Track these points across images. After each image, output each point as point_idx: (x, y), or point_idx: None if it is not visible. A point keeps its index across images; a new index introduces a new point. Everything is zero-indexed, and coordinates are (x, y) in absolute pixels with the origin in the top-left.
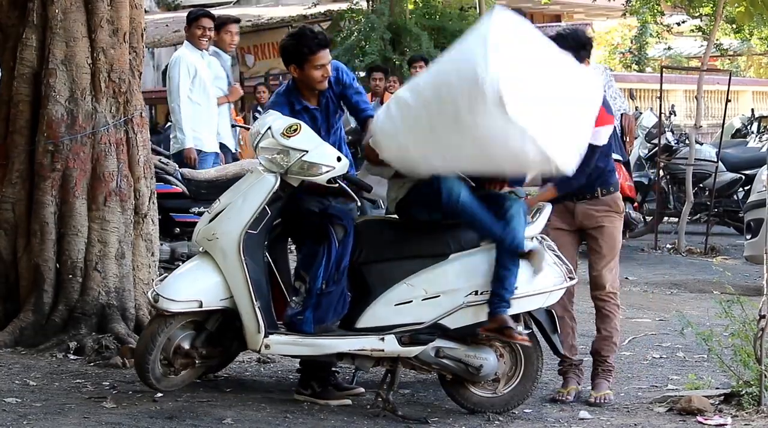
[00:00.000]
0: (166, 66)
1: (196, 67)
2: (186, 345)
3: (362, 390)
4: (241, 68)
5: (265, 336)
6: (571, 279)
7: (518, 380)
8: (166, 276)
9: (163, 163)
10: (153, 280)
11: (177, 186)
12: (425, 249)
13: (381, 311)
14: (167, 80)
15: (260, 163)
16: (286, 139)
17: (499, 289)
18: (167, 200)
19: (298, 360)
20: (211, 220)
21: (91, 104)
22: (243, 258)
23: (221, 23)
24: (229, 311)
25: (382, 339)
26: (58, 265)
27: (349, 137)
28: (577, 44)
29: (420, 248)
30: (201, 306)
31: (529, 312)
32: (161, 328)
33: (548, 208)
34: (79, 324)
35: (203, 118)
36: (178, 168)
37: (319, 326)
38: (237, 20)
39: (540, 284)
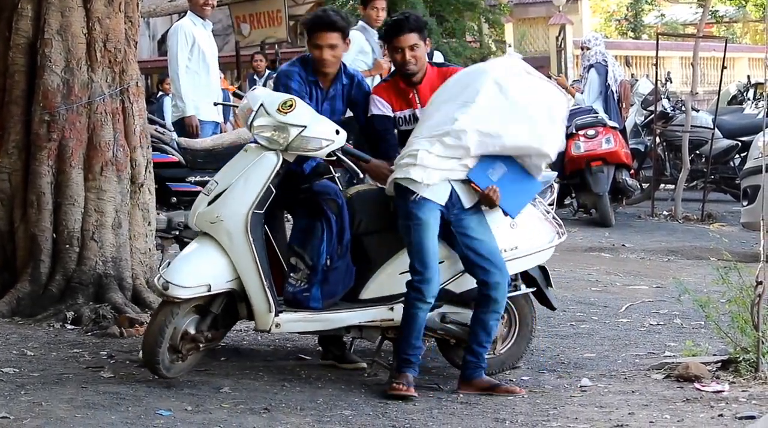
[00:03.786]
0: (163, 35)
1: (194, 36)
2: (192, 331)
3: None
4: (236, 37)
5: (275, 315)
6: (562, 234)
7: (513, 340)
8: (169, 263)
9: (159, 132)
10: (150, 249)
11: (173, 155)
12: None
13: (385, 281)
14: (167, 50)
15: (256, 141)
16: (282, 116)
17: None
18: (164, 169)
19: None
20: (210, 203)
21: (86, 74)
22: (251, 239)
23: None
24: (234, 292)
25: (391, 308)
26: (54, 235)
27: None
28: (419, 26)
29: None
30: (210, 290)
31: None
32: (168, 318)
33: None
34: (76, 293)
35: (201, 87)
36: (175, 137)
37: (327, 301)
38: None
39: (535, 243)
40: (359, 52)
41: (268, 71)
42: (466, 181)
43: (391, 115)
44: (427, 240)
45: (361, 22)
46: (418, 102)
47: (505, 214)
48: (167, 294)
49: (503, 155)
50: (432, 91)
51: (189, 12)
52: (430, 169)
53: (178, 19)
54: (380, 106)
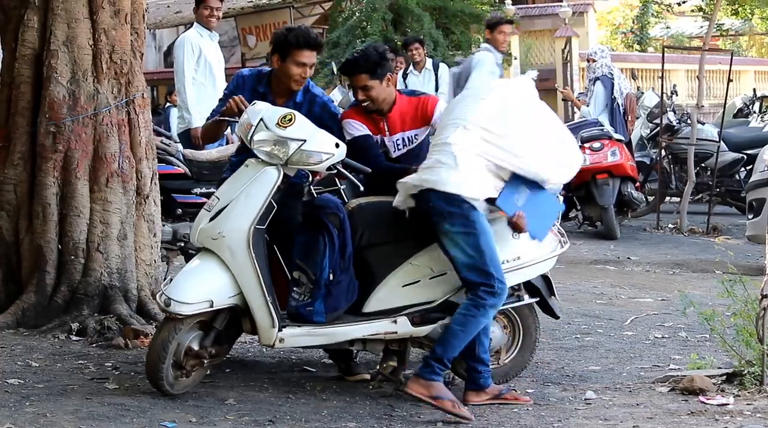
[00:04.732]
0: (169, 47)
1: (201, 47)
2: (195, 347)
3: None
4: (242, 49)
5: (279, 330)
6: (565, 244)
7: (517, 350)
8: (171, 279)
9: (165, 143)
10: (155, 261)
11: (179, 167)
12: (426, 228)
13: (389, 294)
14: (174, 61)
15: (257, 156)
16: (282, 130)
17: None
18: (169, 181)
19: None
20: (212, 219)
21: (92, 85)
22: (253, 254)
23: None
24: (237, 308)
25: (395, 321)
26: (60, 246)
27: None
28: (370, 66)
29: (420, 227)
30: (212, 306)
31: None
32: (171, 335)
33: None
34: (81, 305)
35: (208, 98)
36: (180, 149)
37: (330, 315)
38: None
39: (537, 252)
40: (490, 72)
41: None
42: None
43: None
44: (495, 246)
45: (486, 44)
46: (387, 130)
47: (532, 237)
48: (169, 311)
49: (524, 179)
50: (402, 119)
51: (195, 23)
52: (473, 175)
53: (184, 31)
54: (358, 128)
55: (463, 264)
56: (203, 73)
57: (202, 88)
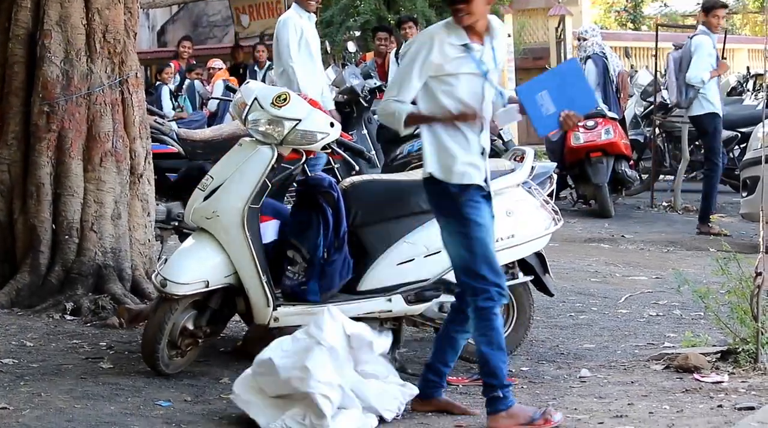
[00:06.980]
0: (162, 26)
1: (302, 28)
2: (190, 326)
3: None
4: (236, 28)
5: (273, 309)
6: (558, 221)
7: (511, 328)
8: (166, 259)
9: (158, 122)
10: (149, 240)
11: (172, 146)
12: (420, 206)
13: (383, 272)
14: (275, 42)
15: (252, 135)
16: (277, 109)
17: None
18: (163, 160)
19: None
20: (206, 198)
21: (86, 65)
22: (247, 233)
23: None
24: (232, 287)
25: (389, 299)
26: (54, 226)
27: (345, 97)
28: None
29: (415, 205)
30: (207, 286)
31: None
32: (168, 315)
33: (531, 153)
34: (75, 284)
35: (308, 79)
36: (174, 128)
37: (325, 294)
38: None
39: (531, 230)
40: (709, 55)
41: (269, 62)
42: None
43: None
44: (492, 245)
45: (702, 27)
46: None
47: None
48: (165, 292)
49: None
50: None
51: (294, 5)
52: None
53: (178, 11)
54: None
55: (456, 265)
56: (304, 53)
57: (303, 68)
